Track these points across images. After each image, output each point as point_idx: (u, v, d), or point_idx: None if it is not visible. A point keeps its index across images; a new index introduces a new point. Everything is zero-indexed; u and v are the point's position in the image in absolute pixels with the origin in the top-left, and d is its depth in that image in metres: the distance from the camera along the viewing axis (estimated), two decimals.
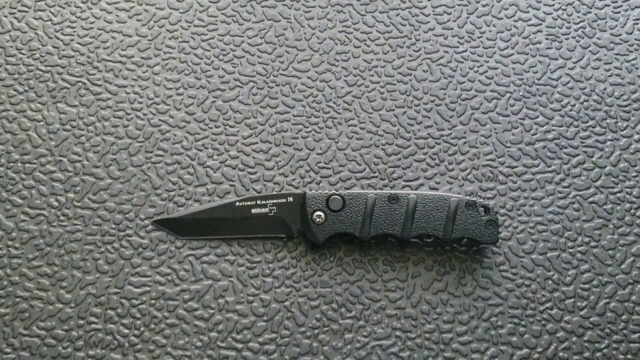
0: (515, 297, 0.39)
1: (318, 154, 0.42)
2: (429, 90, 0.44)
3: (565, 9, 0.46)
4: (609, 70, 0.44)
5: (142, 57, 0.44)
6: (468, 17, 0.46)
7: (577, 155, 0.42)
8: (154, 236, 0.40)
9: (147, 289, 0.39)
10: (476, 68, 0.44)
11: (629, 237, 0.40)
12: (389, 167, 0.42)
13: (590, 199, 0.41)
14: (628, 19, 0.46)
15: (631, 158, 0.42)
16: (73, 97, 0.43)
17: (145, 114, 0.43)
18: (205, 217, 0.40)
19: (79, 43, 0.44)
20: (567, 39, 0.45)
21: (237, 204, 0.40)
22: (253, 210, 0.40)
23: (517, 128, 0.43)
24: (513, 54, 0.45)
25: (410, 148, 0.42)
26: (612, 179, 0.42)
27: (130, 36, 0.44)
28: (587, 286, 0.39)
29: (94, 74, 0.43)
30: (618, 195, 0.41)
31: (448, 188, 0.41)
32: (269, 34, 0.45)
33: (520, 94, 0.44)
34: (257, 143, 0.42)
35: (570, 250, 0.40)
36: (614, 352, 0.38)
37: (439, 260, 0.40)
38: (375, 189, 0.41)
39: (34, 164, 0.41)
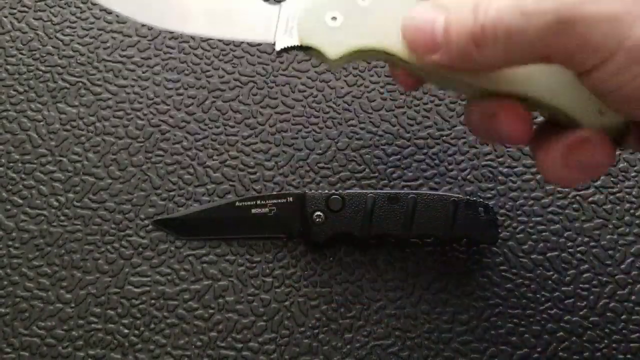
0: (515, 297, 0.39)
1: (318, 154, 0.42)
2: (428, 90, 0.44)
3: None
4: None
5: (142, 57, 0.44)
6: None
7: None
8: (154, 236, 0.40)
9: (147, 288, 0.39)
10: None
11: (628, 237, 0.40)
12: (389, 167, 0.42)
13: (590, 199, 0.41)
14: None
15: (631, 158, 0.42)
16: (73, 97, 0.43)
17: (145, 114, 0.43)
18: (205, 217, 0.40)
19: (79, 43, 0.44)
20: None
21: (237, 204, 0.40)
22: (253, 210, 0.40)
23: None
24: None
25: (410, 148, 0.42)
26: (612, 179, 0.42)
27: (130, 36, 0.44)
28: (586, 286, 0.39)
29: (94, 74, 0.43)
30: (618, 195, 0.41)
31: (448, 188, 0.41)
32: None
33: None
34: (257, 143, 0.42)
35: (570, 250, 0.40)
36: (614, 352, 0.38)
37: (439, 260, 0.40)
38: (375, 189, 0.41)
39: (34, 164, 0.41)
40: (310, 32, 0.33)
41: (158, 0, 0.34)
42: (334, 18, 0.33)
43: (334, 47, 0.33)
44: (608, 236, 0.40)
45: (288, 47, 0.33)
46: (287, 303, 0.39)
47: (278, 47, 0.34)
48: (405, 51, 0.32)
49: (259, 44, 0.45)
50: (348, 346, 0.38)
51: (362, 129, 0.43)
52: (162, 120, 0.42)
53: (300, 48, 0.33)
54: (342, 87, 0.44)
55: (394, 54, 0.32)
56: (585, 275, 0.40)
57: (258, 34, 0.34)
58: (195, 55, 0.44)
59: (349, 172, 0.42)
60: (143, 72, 0.44)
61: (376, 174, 0.42)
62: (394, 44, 0.32)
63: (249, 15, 0.34)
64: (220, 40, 0.44)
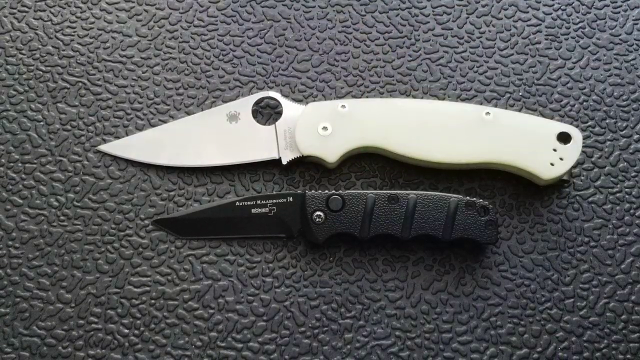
0: (515, 297, 0.39)
1: None
2: (428, 90, 0.44)
3: (564, 9, 0.46)
4: (609, 70, 0.44)
5: (142, 57, 0.44)
6: (467, 18, 0.46)
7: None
8: (154, 236, 0.40)
9: (147, 288, 0.39)
10: (476, 68, 0.44)
11: (628, 237, 0.40)
12: (389, 167, 0.42)
13: (590, 199, 0.41)
14: (627, 19, 0.46)
15: (630, 158, 0.42)
16: (73, 97, 0.43)
17: (145, 114, 0.43)
18: (205, 217, 0.40)
19: (79, 43, 0.44)
20: (567, 39, 0.45)
21: (237, 204, 0.40)
22: (253, 210, 0.40)
23: None
24: (512, 54, 0.45)
25: None
26: (612, 179, 0.42)
27: (130, 36, 0.44)
28: (586, 286, 0.39)
29: (94, 74, 0.43)
30: (617, 195, 0.41)
31: (448, 188, 0.41)
32: (269, 34, 0.45)
33: (520, 94, 0.44)
34: None
35: (569, 250, 0.40)
36: (614, 352, 0.38)
37: (438, 260, 0.40)
38: (375, 189, 0.41)
39: (34, 164, 0.41)
40: (308, 145, 0.40)
41: (172, 144, 0.41)
42: (324, 128, 0.40)
43: (331, 153, 0.40)
44: (608, 236, 0.40)
45: (293, 159, 0.40)
46: (287, 303, 0.39)
47: (284, 162, 0.40)
48: (389, 145, 0.39)
49: (259, 44, 0.45)
50: (348, 346, 0.38)
51: None
52: (162, 120, 0.42)
53: (303, 157, 0.40)
54: (342, 87, 0.44)
55: (379, 147, 0.40)
56: (584, 275, 0.40)
57: (264, 153, 0.41)
58: (195, 55, 0.44)
59: (348, 172, 0.42)
60: (143, 72, 0.44)
61: (376, 174, 0.42)
62: (378, 139, 0.40)
63: (252, 140, 0.41)
64: (220, 40, 0.45)
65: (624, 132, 0.43)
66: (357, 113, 0.40)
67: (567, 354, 0.38)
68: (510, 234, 0.40)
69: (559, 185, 0.41)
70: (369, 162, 0.42)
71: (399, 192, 0.39)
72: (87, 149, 0.42)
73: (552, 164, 0.39)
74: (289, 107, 0.41)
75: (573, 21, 0.46)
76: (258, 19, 0.45)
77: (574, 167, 0.41)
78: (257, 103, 0.42)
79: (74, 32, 0.45)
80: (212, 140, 0.41)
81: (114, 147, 0.41)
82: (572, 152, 0.40)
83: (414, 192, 0.39)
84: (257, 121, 0.42)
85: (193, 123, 0.42)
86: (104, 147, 0.41)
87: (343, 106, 0.40)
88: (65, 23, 0.45)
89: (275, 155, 0.41)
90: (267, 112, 0.43)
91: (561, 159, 0.39)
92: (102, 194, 0.41)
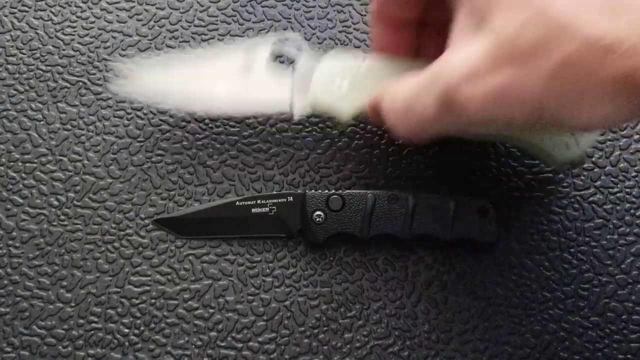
0: (515, 297, 0.39)
1: (318, 154, 0.42)
2: None
3: None
4: None
5: (142, 57, 0.44)
6: None
7: None
8: (154, 235, 0.40)
9: (147, 288, 0.39)
10: None
11: (628, 237, 0.40)
12: (389, 167, 0.42)
13: (590, 199, 0.41)
14: None
15: (631, 158, 0.42)
16: (73, 96, 0.43)
17: (145, 114, 0.43)
18: (205, 217, 0.40)
19: (79, 43, 0.44)
20: None
21: (237, 203, 0.40)
22: (253, 210, 0.40)
23: None
24: None
25: (410, 148, 0.42)
26: (612, 179, 0.42)
27: (130, 36, 0.45)
28: (587, 286, 0.39)
29: (94, 74, 0.43)
30: (618, 195, 0.41)
31: (448, 188, 0.41)
32: (269, 34, 0.45)
33: None
34: (257, 143, 0.42)
35: (570, 250, 0.40)
36: (614, 352, 0.38)
37: (439, 259, 0.40)
38: (375, 189, 0.41)
39: (35, 163, 0.41)
40: (322, 101, 0.39)
41: (184, 89, 0.40)
42: (340, 86, 0.38)
43: (344, 111, 0.38)
44: (608, 236, 0.40)
45: (304, 116, 0.40)
46: (287, 303, 0.39)
47: (296, 117, 0.40)
48: None
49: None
50: (348, 346, 0.38)
51: (362, 128, 0.43)
52: (162, 120, 0.42)
53: (315, 112, 0.40)
54: None
55: None
56: (585, 275, 0.40)
57: (276, 106, 0.40)
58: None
59: (349, 172, 0.42)
60: None
61: (376, 174, 0.42)
62: None
63: (264, 90, 0.40)
64: (220, 40, 0.45)
65: (624, 132, 0.43)
66: (375, 70, 0.38)
67: (567, 354, 0.38)
68: (510, 234, 0.40)
69: (568, 169, 0.41)
70: (369, 162, 0.42)
71: (399, 192, 0.39)
72: (87, 149, 0.42)
73: (567, 145, 0.38)
74: (306, 57, 0.40)
75: None
76: (258, 18, 0.45)
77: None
78: (272, 52, 0.41)
79: (75, 31, 0.45)
80: (224, 86, 0.40)
81: (122, 86, 0.41)
82: (588, 136, 0.39)
83: (414, 192, 0.39)
84: (272, 71, 0.40)
85: (206, 67, 0.41)
86: (112, 87, 0.42)
87: (361, 62, 0.39)
88: (65, 22, 0.45)
89: (286, 109, 0.39)
90: (282, 63, 0.42)
91: (577, 142, 0.38)
92: (102, 193, 0.41)
